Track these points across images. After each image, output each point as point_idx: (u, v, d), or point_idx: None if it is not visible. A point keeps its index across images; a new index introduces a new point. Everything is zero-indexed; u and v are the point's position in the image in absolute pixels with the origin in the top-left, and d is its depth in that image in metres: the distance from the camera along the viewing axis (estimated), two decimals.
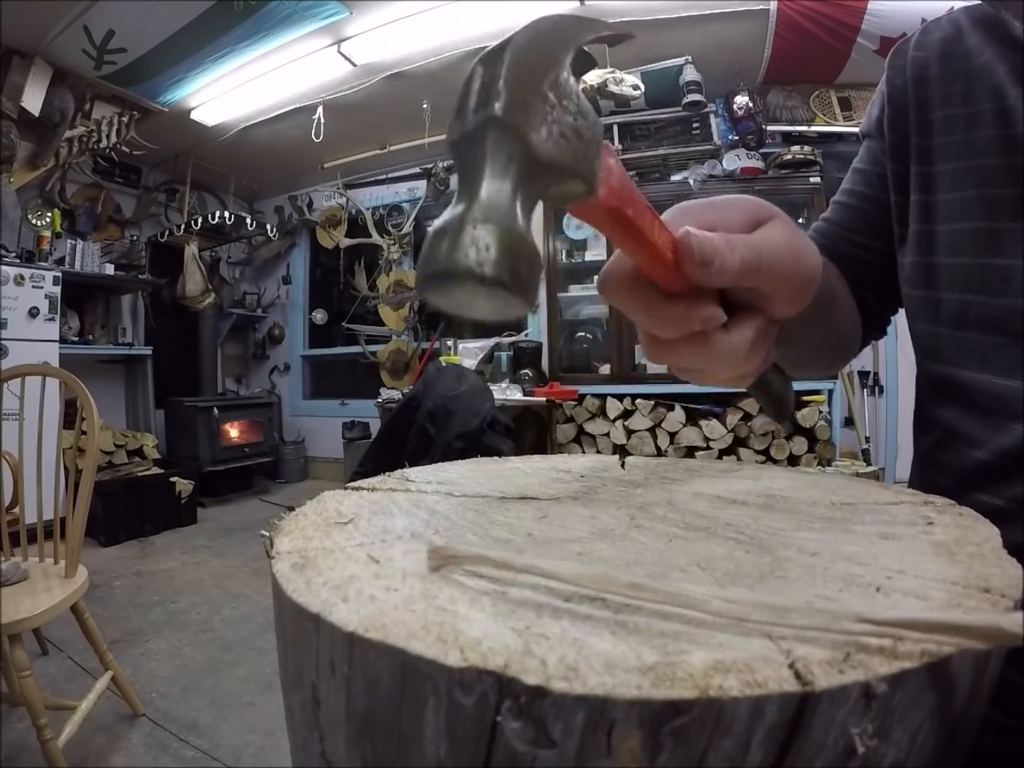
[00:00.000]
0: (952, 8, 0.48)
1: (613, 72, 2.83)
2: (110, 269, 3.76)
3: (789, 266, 0.30)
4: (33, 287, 3.05)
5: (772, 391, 0.40)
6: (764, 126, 3.25)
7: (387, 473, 0.41)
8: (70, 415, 1.51)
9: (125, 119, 3.43)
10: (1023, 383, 0.39)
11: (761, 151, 3.33)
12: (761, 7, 2.74)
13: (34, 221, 3.59)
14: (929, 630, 0.17)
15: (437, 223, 0.21)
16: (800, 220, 3.44)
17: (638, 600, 0.19)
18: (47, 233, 3.44)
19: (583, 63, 0.25)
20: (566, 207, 0.26)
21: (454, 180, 3.29)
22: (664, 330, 0.30)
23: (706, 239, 0.28)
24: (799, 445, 2.99)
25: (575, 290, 3.63)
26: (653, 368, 3.35)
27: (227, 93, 3.41)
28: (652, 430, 3.19)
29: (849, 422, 3.31)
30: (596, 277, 0.32)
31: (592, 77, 2.81)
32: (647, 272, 0.29)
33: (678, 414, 3.11)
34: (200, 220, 4.05)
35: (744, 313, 0.31)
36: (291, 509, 0.32)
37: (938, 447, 0.47)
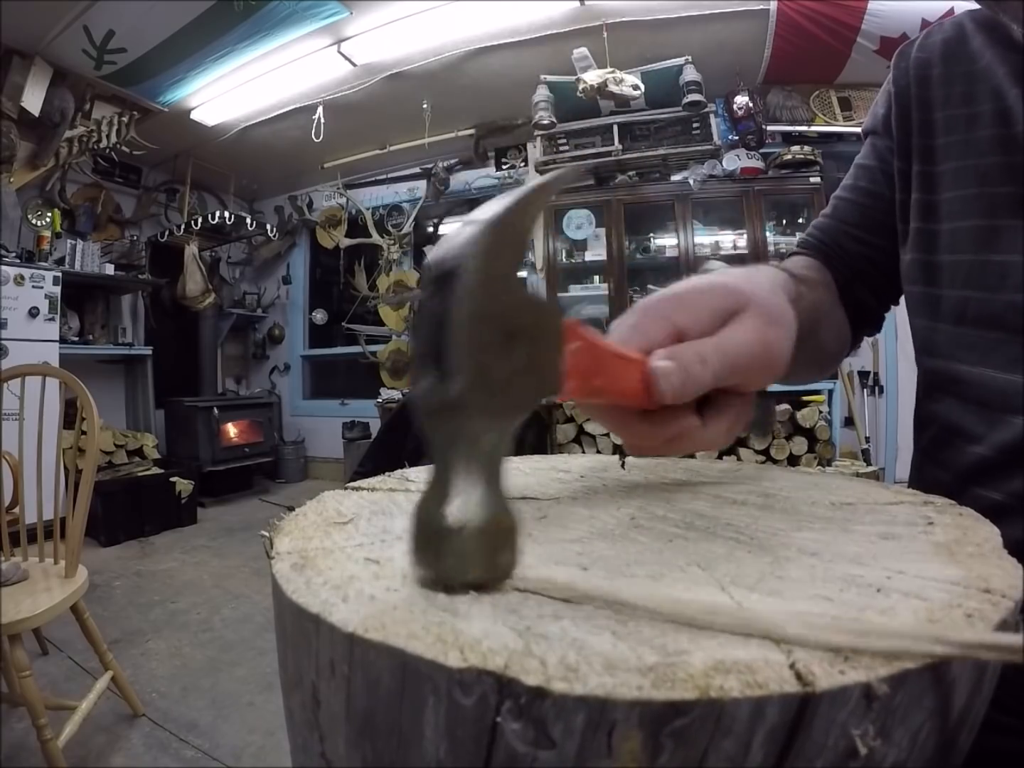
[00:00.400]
0: (952, 8, 0.49)
1: (613, 72, 2.83)
2: (110, 269, 3.76)
3: (761, 363, 0.31)
4: (33, 287, 3.05)
5: (755, 416, 0.41)
6: (764, 126, 3.25)
7: (387, 473, 0.41)
8: (70, 415, 1.51)
9: (125, 119, 3.43)
10: (1023, 377, 0.39)
11: (761, 151, 3.33)
12: (761, 7, 2.74)
13: (34, 221, 3.59)
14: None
15: (415, 520, 0.21)
16: (800, 220, 3.44)
17: (713, 624, 0.18)
18: (47, 233, 3.44)
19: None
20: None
21: (454, 180, 3.29)
22: (643, 443, 0.31)
23: (676, 376, 0.28)
24: (799, 445, 2.99)
25: (575, 290, 3.64)
26: None
27: (227, 93, 3.41)
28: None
29: (849, 422, 3.31)
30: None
31: (592, 77, 2.81)
32: (621, 406, 0.30)
33: None
34: (200, 220, 4.05)
35: (719, 402, 0.31)
36: (291, 509, 0.32)
37: (938, 443, 0.47)
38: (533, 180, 0.25)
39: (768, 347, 0.31)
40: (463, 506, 0.21)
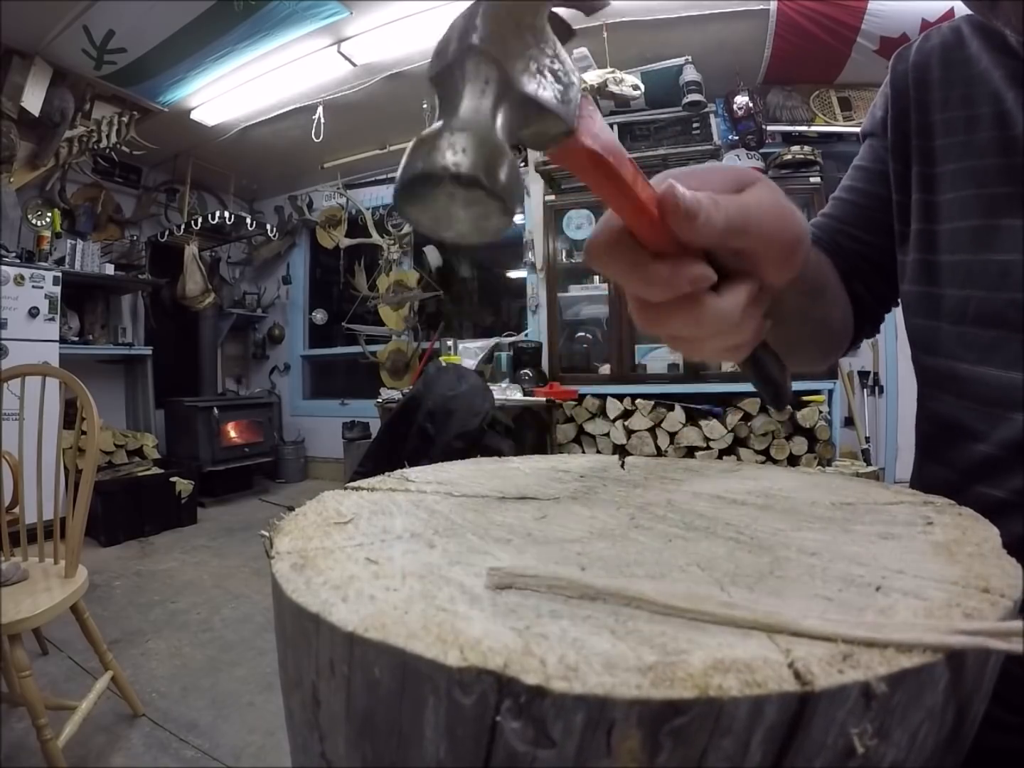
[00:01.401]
0: (951, 8, 0.49)
1: (613, 72, 2.83)
2: (110, 269, 3.76)
3: (776, 225, 0.30)
4: (33, 287, 3.05)
5: (767, 372, 0.39)
6: (764, 126, 3.25)
7: (387, 473, 0.41)
8: (70, 415, 1.51)
9: (125, 119, 3.43)
10: (1023, 374, 0.40)
11: (761, 151, 3.32)
12: (761, 7, 2.74)
13: (34, 221, 3.59)
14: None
15: (416, 137, 0.21)
16: None
17: (733, 619, 0.18)
18: (47, 233, 3.44)
19: (563, 31, 0.25)
20: (546, 151, 0.26)
21: None
22: (653, 292, 0.29)
23: (691, 194, 0.27)
24: (799, 445, 2.99)
25: (575, 290, 3.63)
26: (653, 368, 3.35)
27: (227, 93, 3.41)
28: (652, 430, 3.19)
29: (849, 422, 3.31)
30: (584, 249, 0.31)
31: (592, 77, 2.81)
32: (632, 228, 0.28)
33: (678, 414, 3.11)
34: (200, 220, 4.05)
35: (735, 278, 0.30)
36: (291, 509, 0.32)
37: (939, 441, 0.47)
38: None
39: (780, 212, 0.30)
40: (466, 121, 0.21)
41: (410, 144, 0.21)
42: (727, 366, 3.17)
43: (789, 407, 2.95)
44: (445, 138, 0.20)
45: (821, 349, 0.51)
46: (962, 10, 0.46)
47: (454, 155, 0.20)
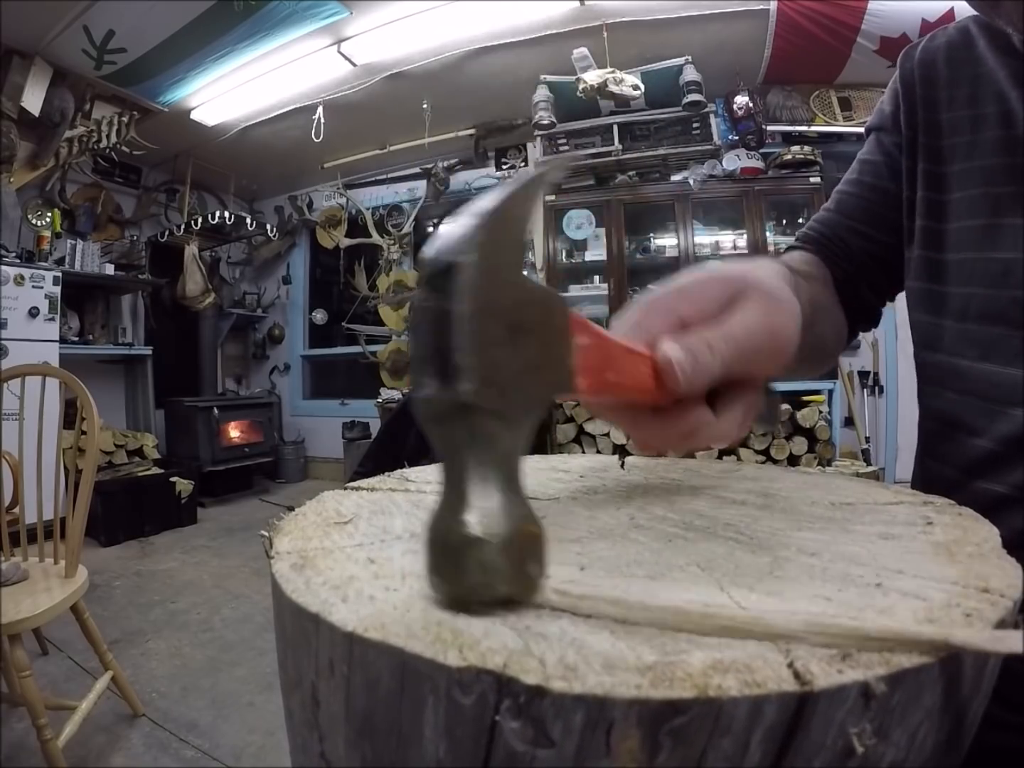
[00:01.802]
0: (951, 8, 0.49)
1: (613, 72, 2.83)
2: (110, 269, 3.76)
3: (769, 347, 0.31)
4: (33, 287, 3.05)
5: (761, 410, 0.40)
6: (764, 126, 3.25)
7: (387, 473, 0.41)
8: (70, 415, 1.51)
9: (125, 119, 3.43)
10: (1023, 370, 0.40)
11: (761, 151, 3.33)
12: (761, 7, 2.74)
13: (34, 221, 3.59)
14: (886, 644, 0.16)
15: (432, 533, 0.20)
16: (800, 220, 3.44)
17: (715, 630, 0.18)
18: (47, 233, 3.44)
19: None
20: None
21: (454, 180, 3.28)
22: (657, 441, 0.32)
23: (684, 360, 0.28)
24: (799, 445, 2.99)
25: (575, 290, 3.63)
26: None
27: (227, 93, 3.41)
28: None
29: (849, 422, 3.31)
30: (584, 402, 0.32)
31: (592, 77, 2.81)
32: (635, 399, 0.30)
33: None
34: (200, 220, 4.05)
35: (728, 395, 0.31)
36: (291, 509, 0.32)
37: (939, 437, 0.48)
38: (525, 172, 0.25)
39: (774, 331, 0.31)
40: (484, 515, 0.19)
41: (427, 542, 0.20)
42: None
43: (789, 407, 2.95)
44: (473, 555, 0.19)
45: (814, 365, 0.52)
46: (961, 11, 0.46)
47: (487, 580, 0.19)
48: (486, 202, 0.23)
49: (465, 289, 0.20)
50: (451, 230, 0.22)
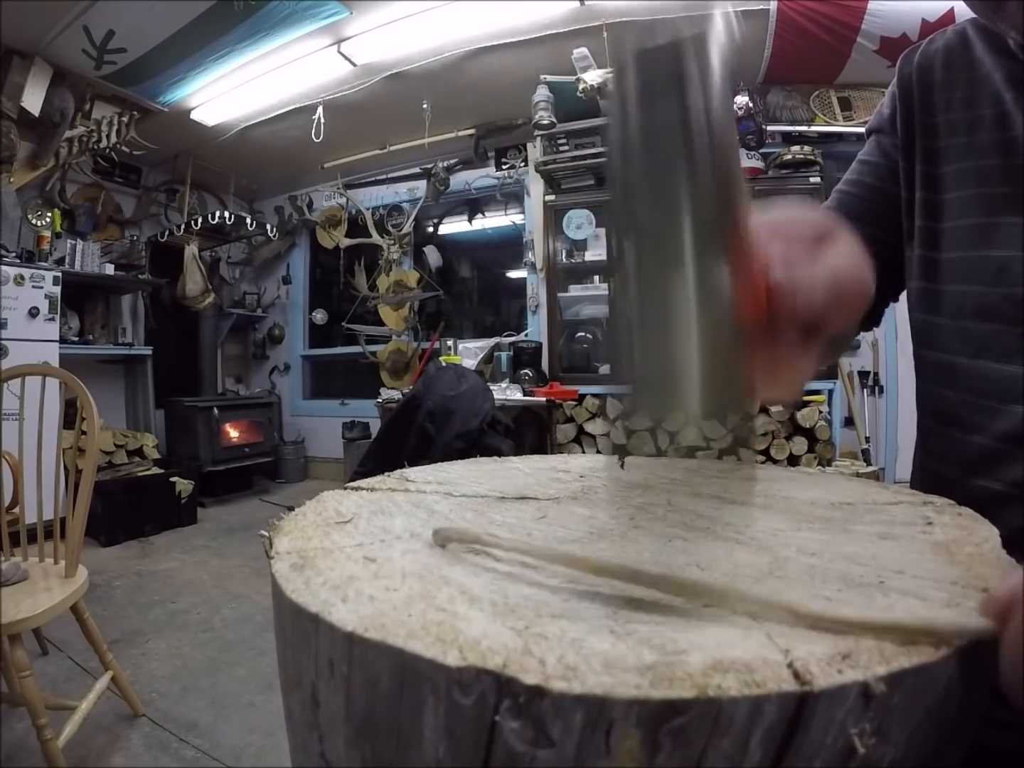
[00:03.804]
0: (951, 8, 0.50)
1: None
2: (110, 269, 3.75)
3: (857, 291, 0.32)
4: (33, 287, 3.05)
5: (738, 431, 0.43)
6: (764, 126, 3.25)
7: (387, 473, 0.41)
8: (70, 415, 1.51)
9: (125, 119, 3.42)
10: (1021, 367, 0.40)
11: (761, 151, 3.32)
12: (761, 7, 2.73)
13: (34, 221, 3.58)
14: (886, 632, 0.17)
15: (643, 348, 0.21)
16: None
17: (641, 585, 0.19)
18: (47, 233, 3.43)
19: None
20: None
21: (454, 180, 3.27)
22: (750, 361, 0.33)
23: (806, 286, 0.30)
24: (799, 445, 2.98)
25: (575, 290, 3.63)
26: None
27: (227, 93, 3.40)
28: (652, 430, 3.18)
29: (849, 422, 3.31)
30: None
31: (592, 77, 2.81)
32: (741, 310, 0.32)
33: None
34: (200, 220, 4.05)
35: (807, 335, 0.32)
36: (291, 509, 0.32)
37: (937, 435, 0.48)
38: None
39: (862, 275, 0.33)
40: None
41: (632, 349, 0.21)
42: None
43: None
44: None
45: (841, 349, 0.53)
46: (961, 11, 0.46)
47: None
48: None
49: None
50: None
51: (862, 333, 0.59)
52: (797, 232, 0.33)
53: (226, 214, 4.07)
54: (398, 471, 0.42)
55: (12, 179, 3.21)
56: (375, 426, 3.74)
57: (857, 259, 0.32)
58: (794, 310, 0.30)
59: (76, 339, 3.61)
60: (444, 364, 2.98)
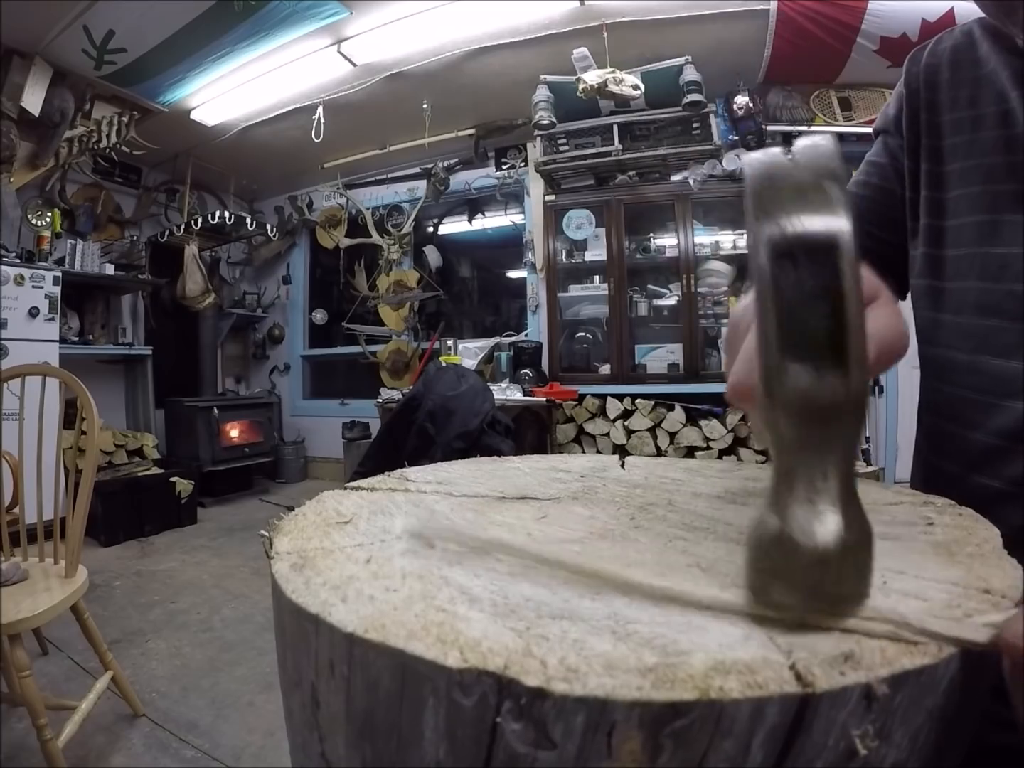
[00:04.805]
0: (951, 8, 0.50)
1: (613, 72, 2.83)
2: (110, 269, 3.75)
3: (893, 352, 0.31)
4: (33, 287, 3.05)
5: None
6: (764, 126, 3.25)
7: (387, 473, 0.41)
8: (70, 415, 1.51)
9: (125, 119, 3.42)
10: (1021, 363, 0.40)
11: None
12: (761, 7, 2.73)
13: (34, 221, 3.58)
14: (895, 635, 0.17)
15: (764, 535, 0.18)
16: None
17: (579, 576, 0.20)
18: (47, 233, 3.43)
19: None
20: None
21: (454, 180, 3.27)
22: None
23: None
24: None
25: (575, 290, 3.63)
26: (653, 368, 3.35)
27: (227, 93, 3.40)
28: (652, 430, 3.19)
29: None
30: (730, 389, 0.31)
31: (592, 77, 2.81)
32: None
33: (678, 414, 3.11)
34: (200, 220, 4.05)
35: None
36: (291, 509, 0.32)
37: (937, 431, 0.48)
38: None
39: (901, 337, 0.31)
40: (824, 520, 0.18)
41: (763, 544, 0.18)
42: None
43: None
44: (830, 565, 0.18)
45: None
46: (962, 12, 0.47)
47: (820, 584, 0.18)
48: (826, 151, 0.19)
49: (850, 272, 0.18)
50: (800, 191, 0.19)
51: None
52: None
53: (226, 214, 4.07)
54: (398, 471, 0.42)
55: (12, 179, 3.21)
56: (375, 426, 3.74)
57: (898, 323, 0.31)
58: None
59: (76, 339, 3.62)
60: (444, 364, 2.98)
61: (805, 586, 0.18)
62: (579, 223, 3.52)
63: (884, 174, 0.54)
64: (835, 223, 0.18)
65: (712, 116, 3.27)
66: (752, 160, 0.20)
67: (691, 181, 3.31)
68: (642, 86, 2.93)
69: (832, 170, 0.19)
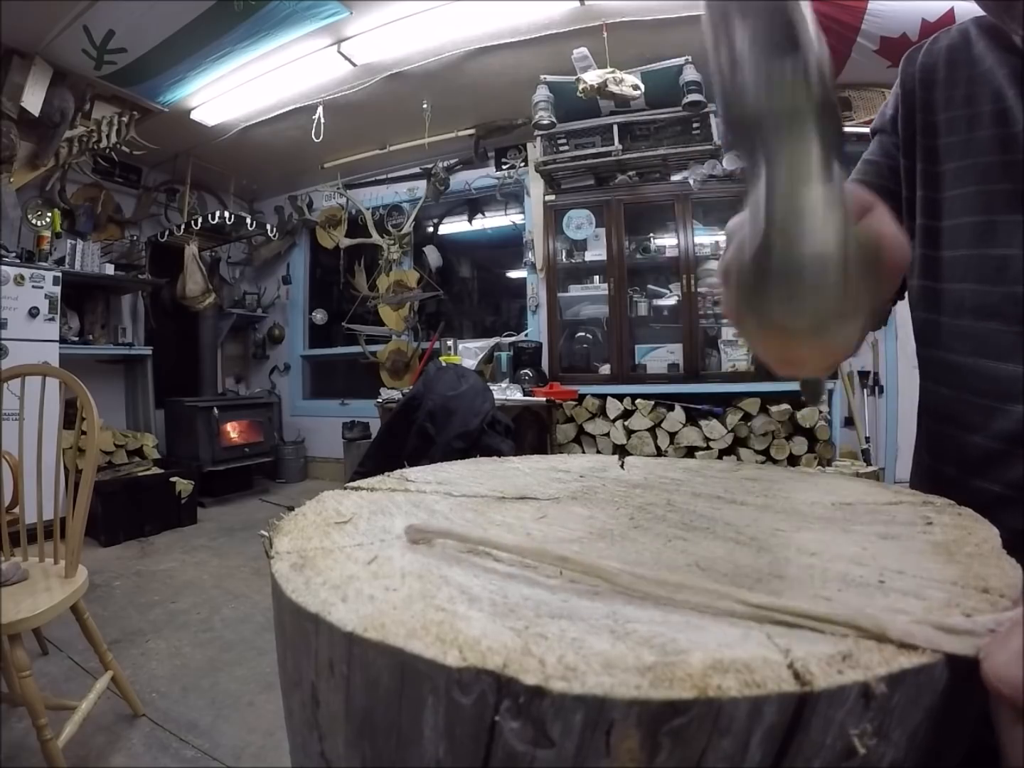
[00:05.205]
0: (951, 8, 0.50)
1: (613, 72, 2.83)
2: (110, 269, 3.75)
3: (902, 258, 0.33)
4: (33, 287, 3.05)
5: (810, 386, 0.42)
6: None
7: (387, 473, 0.41)
8: (70, 415, 1.51)
9: (125, 119, 3.42)
10: (1020, 366, 0.40)
11: None
12: None
13: (34, 221, 3.58)
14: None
15: (764, 255, 0.21)
16: None
17: (566, 569, 0.21)
18: (47, 233, 3.43)
19: None
20: None
21: (454, 180, 3.27)
22: None
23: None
24: (799, 445, 2.99)
25: (575, 290, 3.63)
26: (653, 368, 3.35)
27: (227, 93, 3.41)
28: (652, 430, 3.19)
29: (849, 422, 3.31)
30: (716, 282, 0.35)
31: (592, 77, 2.81)
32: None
33: (678, 414, 3.11)
34: (200, 220, 4.05)
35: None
36: (291, 509, 0.32)
37: (936, 434, 0.48)
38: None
39: (902, 243, 0.33)
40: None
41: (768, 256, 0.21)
42: (727, 366, 3.18)
43: (789, 407, 2.95)
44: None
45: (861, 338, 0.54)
46: (962, 12, 0.46)
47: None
48: None
49: None
50: None
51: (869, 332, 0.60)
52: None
53: (226, 214, 4.07)
54: (398, 471, 0.42)
55: (12, 179, 3.21)
56: (375, 426, 3.74)
57: (896, 227, 0.33)
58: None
59: (76, 339, 3.61)
60: (444, 364, 2.98)
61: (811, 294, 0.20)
62: (579, 223, 3.52)
63: (879, 172, 0.54)
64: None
65: (712, 116, 3.27)
66: None
67: (691, 181, 3.31)
68: (642, 86, 2.93)
69: None
